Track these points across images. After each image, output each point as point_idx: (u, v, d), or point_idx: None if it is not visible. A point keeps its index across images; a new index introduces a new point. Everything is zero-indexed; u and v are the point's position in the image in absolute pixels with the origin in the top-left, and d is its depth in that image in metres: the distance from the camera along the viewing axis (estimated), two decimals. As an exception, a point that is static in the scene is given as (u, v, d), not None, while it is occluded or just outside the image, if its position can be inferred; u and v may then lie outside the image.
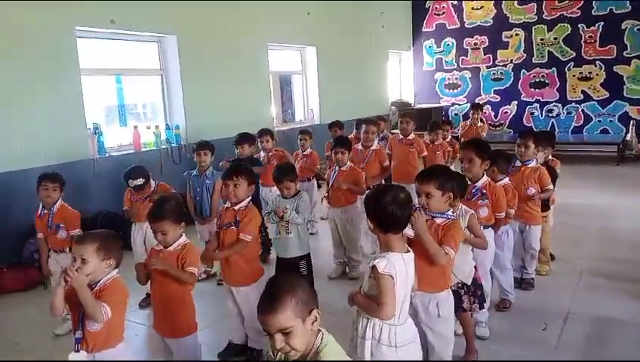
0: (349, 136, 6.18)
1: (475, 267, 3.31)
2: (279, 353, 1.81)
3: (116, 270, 2.55)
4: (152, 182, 4.58)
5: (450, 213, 2.86)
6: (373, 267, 2.29)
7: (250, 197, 3.50)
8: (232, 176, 3.40)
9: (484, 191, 3.57)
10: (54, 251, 4.08)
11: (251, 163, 5.35)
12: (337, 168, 4.90)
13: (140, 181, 4.42)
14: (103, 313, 2.37)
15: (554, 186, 4.70)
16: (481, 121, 9.03)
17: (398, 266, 2.31)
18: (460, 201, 3.21)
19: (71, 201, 5.74)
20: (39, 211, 4.11)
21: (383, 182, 5.79)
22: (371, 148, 5.68)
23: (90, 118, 6.27)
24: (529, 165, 4.30)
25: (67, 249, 3.97)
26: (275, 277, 1.96)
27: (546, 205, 4.61)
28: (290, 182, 3.99)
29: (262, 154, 6.04)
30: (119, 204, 4.63)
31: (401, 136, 6.32)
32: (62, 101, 5.84)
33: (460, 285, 3.18)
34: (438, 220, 2.79)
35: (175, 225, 2.93)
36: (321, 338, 1.81)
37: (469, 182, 3.56)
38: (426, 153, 6.23)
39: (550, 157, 4.92)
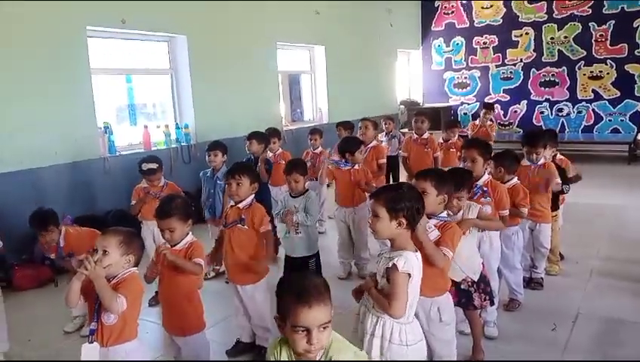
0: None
1: (483, 263, 3.30)
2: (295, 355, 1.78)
3: (135, 267, 2.58)
4: (162, 179, 4.62)
5: (444, 214, 2.83)
6: (392, 266, 2.27)
7: (253, 195, 3.51)
8: (235, 175, 3.41)
9: (486, 189, 3.55)
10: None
11: (262, 163, 5.36)
12: (350, 166, 4.88)
13: (153, 165, 4.48)
14: (119, 304, 2.39)
15: (568, 184, 4.68)
16: (491, 120, 9.01)
17: (415, 265, 2.31)
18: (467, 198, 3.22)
19: (81, 200, 5.85)
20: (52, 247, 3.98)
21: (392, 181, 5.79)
22: (369, 145, 5.66)
23: (100, 118, 6.33)
24: (539, 163, 4.31)
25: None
26: (303, 275, 1.96)
27: (555, 204, 4.59)
28: (299, 175, 3.99)
29: (269, 154, 6.04)
30: (129, 203, 4.67)
31: (416, 136, 6.33)
32: (73, 100, 5.89)
33: (469, 284, 3.17)
34: (433, 221, 2.73)
35: (182, 222, 2.95)
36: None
37: None
38: (438, 153, 6.24)
39: (559, 155, 4.89)
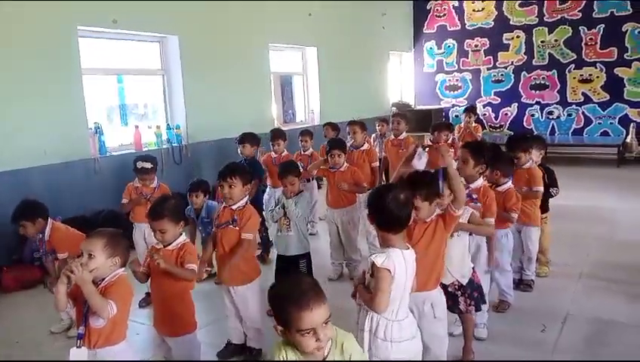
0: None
1: (474, 268, 3.32)
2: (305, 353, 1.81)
3: (122, 269, 2.56)
4: (155, 180, 4.60)
5: (479, 181, 3.47)
6: (373, 263, 2.34)
7: (247, 197, 3.50)
8: (227, 178, 3.35)
9: (475, 196, 3.52)
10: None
11: (252, 166, 5.34)
12: (335, 169, 4.90)
13: (147, 165, 4.47)
14: (109, 309, 2.37)
15: (557, 188, 4.69)
16: (475, 122, 9.05)
17: (398, 262, 2.34)
18: None
19: (71, 201, 5.81)
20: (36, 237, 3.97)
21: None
22: (361, 148, 5.69)
23: (91, 118, 6.29)
24: (524, 167, 4.33)
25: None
26: (293, 278, 2.00)
27: (545, 206, 4.62)
28: (294, 177, 3.99)
29: (273, 155, 5.99)
30: (120, 204, 4.65)
31: (393, 137, 6.36)
32: (63, 100, 5.86)
33: (456, 287, 3.18)
34: (472, 186, 2.99)
35: (174, 224, 2.94)
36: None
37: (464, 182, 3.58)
38: None
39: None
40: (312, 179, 6.46)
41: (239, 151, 5.61)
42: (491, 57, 12.36)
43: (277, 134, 6.12)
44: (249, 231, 3.37)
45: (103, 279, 2.48)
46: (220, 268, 3.54)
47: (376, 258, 2.33)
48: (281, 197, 4.06)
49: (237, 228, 3.37)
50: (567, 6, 11.43)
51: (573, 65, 11.55)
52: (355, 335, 2.43)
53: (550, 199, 4.74)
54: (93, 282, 2.38)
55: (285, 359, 1.85)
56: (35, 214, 3.88)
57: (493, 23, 12.27)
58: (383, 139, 7.70)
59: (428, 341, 2.75)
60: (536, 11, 11.74)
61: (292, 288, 1.83)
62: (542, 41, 11.78)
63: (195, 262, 2.95)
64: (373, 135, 7.61)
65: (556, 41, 11.64)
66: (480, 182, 3.60)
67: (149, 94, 7.57)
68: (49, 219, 3.95)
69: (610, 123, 11.40)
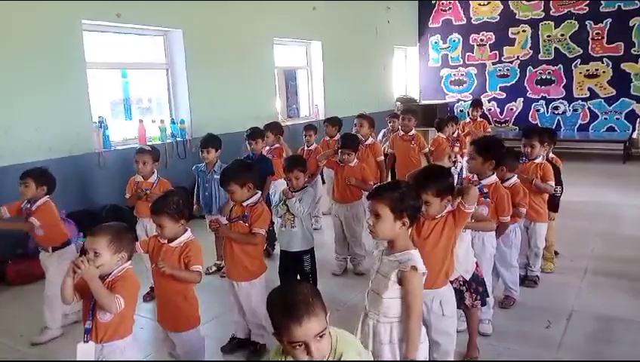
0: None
1: (477, 263, 3.30)
2: None
3: (129, 262, 2.56)
4: (155, 175, 4.59)
5: (493, 177, 3.50)
6: (411, 269, 2.26)
7: (259, 193, 3.51)
8: (224, 185, 3.44)
9: (486, 191, 3.51)
10: (43, 249, 4.00)
11: (262, 162, 5.32)
12: (345, 163, 4.89)
13: (146, 146, 4.54)
14: (117, 304, 2.37)
15: (561, 184, 4.66)
16: (481, 117, 9.01)
17: (419, 262, 2.32)
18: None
19: (76, 195, 5.82)
20: (23, 203, 3.97)
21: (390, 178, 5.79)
22: (366, 143, 5.66)
23: (95, 112, 6.29)
24: (535, 161, 4.31)
25: (50, 249, 3.92)
26: (289, 285, 1.90)
27: (554, 204, 4.59)
28: (300, 172, 3.97)
29: (266, 148, 5.97)
30: (124, 198, 4.65)
31: (402, 133, 6.34)
32: (68, 95, 5.85)
33: (461, 282, 3.17)
34: (437, 216, 2.77)
35: (174, 221, 2.91)
36: (329, 333, 1.78)
37: (475, 177, 3.58)
38: (427, 149, 6.23)
39: (551, 154, 4.87)
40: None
41: (249, 148, 5.56)
42: (497, 52, 12.29)
43: (266, 126, 6.05)
44: (260, 226, 3.38)
45: (110, 274, 2.47)
46: (227, 262, 3.55)
47: (418, 263, 2.28)
48: (281, 196, 4.05)
49: (247, 224, 3.38)
50: (574, 0, 11.33)
51: (579, 60, 11.46)
52: (370, 346, 2.39)
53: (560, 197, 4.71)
54: (100, 277, 2.39)
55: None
56: (44, 181, 3.90)
57: (498, 17, 12.19)
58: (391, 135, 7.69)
59: (437, 337, 2.74)
60: (542, 5, 11.65)
61: (284, 297, 1.73)
62: (548, 36, 11.70)
63: (200, 262, 2.93)
64: (384, 130, 7.57)
65: (562, 35, 11.56)
66: (493, 178, 3.58)
67: (153, 88, 7.57)
68: (47, 197, 3.93)
69: (617, 118, 11.33)
